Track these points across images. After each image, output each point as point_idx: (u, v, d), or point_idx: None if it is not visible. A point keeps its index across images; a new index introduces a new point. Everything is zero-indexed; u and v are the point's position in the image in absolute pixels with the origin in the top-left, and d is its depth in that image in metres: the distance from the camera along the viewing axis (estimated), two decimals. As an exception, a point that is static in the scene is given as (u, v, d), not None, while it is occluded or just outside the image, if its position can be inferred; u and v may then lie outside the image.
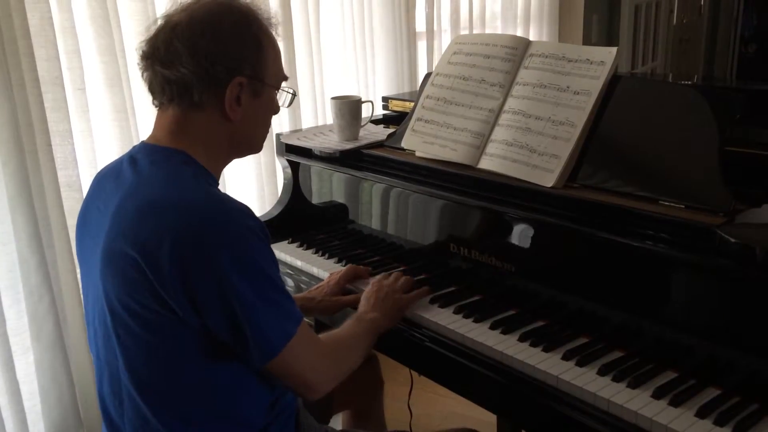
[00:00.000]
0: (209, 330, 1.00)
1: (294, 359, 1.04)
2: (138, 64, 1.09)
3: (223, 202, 1.03)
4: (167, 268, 0.96)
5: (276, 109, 1.18)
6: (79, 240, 1.16)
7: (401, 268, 1.53)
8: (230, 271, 0.96)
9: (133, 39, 1.80)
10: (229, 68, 1.06)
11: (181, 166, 1.06)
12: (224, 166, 1.18)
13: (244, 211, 1.03)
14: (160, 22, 1.08)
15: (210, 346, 1.02)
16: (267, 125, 1.20)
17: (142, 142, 1.12)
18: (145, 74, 1.09)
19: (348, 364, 1.18)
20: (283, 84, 1.18)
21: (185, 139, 1.08)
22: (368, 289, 1.36)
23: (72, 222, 1.70)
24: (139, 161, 1.08)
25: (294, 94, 1.24)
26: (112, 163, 1.15)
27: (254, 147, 1.19)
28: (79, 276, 1.70)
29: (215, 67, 1.05)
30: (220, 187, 1.15)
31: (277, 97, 1.17)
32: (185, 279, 0.96)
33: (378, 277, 1.42)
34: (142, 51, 1.08)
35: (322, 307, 1.45)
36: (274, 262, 1.05)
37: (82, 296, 1.19)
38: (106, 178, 1.13)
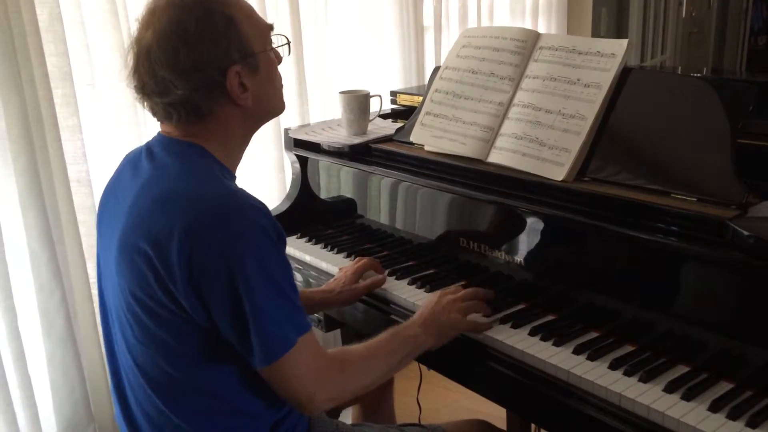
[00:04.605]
0: (217, 328, 0.99)
1: (288, 369, 1.00)
2: (135, 96, 1.07)
3: (238, 197, 1.01)
4: (176, 261, 0.96)
5: (278, 61, 1.13)
6: (99, 226, 1.16)
7: (460, 283, 1.42)
8: (239, 268, 0.95)
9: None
10: (219, 66, 1.02)
11: (197, 160, 1.05)
12: (243, 151, 1.15)
13: (260, 209, 1.01)
14: (134, 48, 1.04)
15: (218, 345, 1.01)
16: (278, 85, 1.14)
17: (159, 133, 1.11)
18: (146, 104, 1.07)
19: (355, 385, 1.10)
20: (273, 37, 1.13)
21: (201, 136, 1.07)
22: (426, 300, 1.28)
23: (82, 217, 1.71)
24: (156, 153, 1.07)
25: (288, 42, 1.18)
26: (135, 150, 1.14)
27: (277, 111, 1.16)
28: (89, 271, 1.73)
29: (206, 72, 1.01)
30: (229, 181, 1.14)
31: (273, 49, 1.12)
32: (193, 272, 0.96)
33: (447, 288, 1.32)
34: (134, 86, 1.05)
35: (342, 298, 1.43)
36: (285, 266, 1.02)
37: (96, 283, 1.18)
38: (126, 167, 1.12)
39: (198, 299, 0.97)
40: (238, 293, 0.96)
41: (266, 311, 0.97)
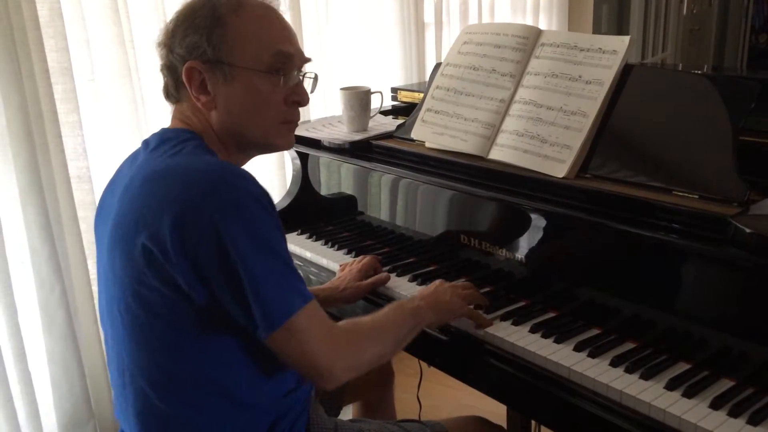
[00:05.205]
0: (215, 302, 0.97)
1: (298, 338, 0.98)
2: None
3: (225, 168, 0.99)
4: (169, 239, 0.94)
5: (299, 99, 1.11)
6: (96, 224, 1.16)
7: (461, 280, 1.41)
8: (231, 237, 0.93)
9: (144, 29, 1.80)
10: (182, 55, 1.04)
11: (187, 142, 1.06)
12: (240, 162, 1.14)
13: (247, 177, 0.99)
14: None
15: (215, 333, 1.00)
16: (266, 113, 1.09)
17: (161, 129, 1.13)
18: None
19: (370, 353, 1.08)
20: (306, 68, 1.11)
21: (191, 126, 1.10)
22: (427, 285, 1.30)
23: (82, 214, 1.71)
24: (150, 142, 1.09)
25: (308, 77, 1.13)
26: (134, 150, 1.16)
27: (261, 139, 1.11)
28: (89, 267, 1.73)
29: (174, 54, 1.05)
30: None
31: (281, 79, 1.07)
32: (187, 246, 0.94)
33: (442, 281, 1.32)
34: None
35: (347, 295, 1.43)
36: (279, 231, 1.00)
37: (97, 281, 1.18)
38: (125, 163, 1.15)
39: (196, 275, 0.95)
40: (233, 261, 0.94)
41: (263, 276, 0.95)
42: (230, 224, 0.94)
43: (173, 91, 1.09)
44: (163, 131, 1.11)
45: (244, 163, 1.16)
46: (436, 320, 1.22)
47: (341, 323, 1.09)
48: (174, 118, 1.12)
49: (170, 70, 1.07)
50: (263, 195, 0.99)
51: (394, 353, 1.15)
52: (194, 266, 0.95)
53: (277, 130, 1.12)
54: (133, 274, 0.99)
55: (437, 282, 1.28)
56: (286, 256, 1.00)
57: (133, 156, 1.13)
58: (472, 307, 1.28)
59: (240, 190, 0.96)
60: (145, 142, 1.11)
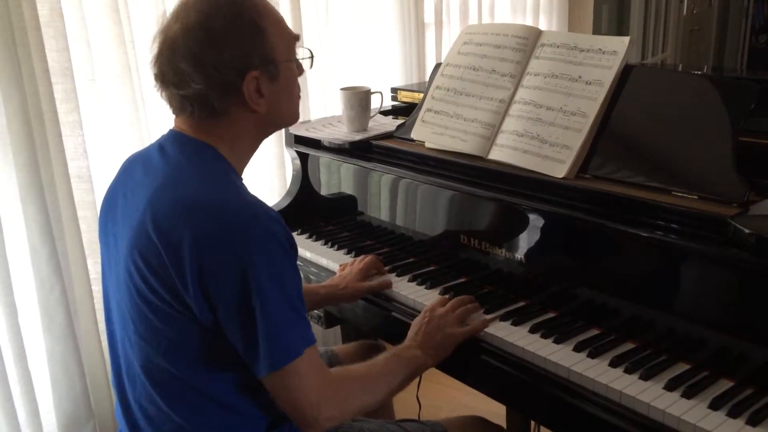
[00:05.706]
0: (222, 330, 1.00)
1: (293, 382, 1.01)
2: (154, 85, 1.08)
3: (255, 207, 1.02)
4: (188, 264, 0.96)
5: (300, 72, 1.15)
6: (103, 225, 1.16)
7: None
8: (252, 274, 0.96)
9: (144, 29, 1.80)
10: (238, 69, 1.03)
11: (212, 163, 1.06)
12: (251, 156, 1.16)
13: (275, 218, 1.02)
14: (159, 38, 1.05)
15: (222, 344, 1.02)
16: (295, 95, 1.15)
17: (171, 130, 1.11)
18: (163, 94, 1.08)
19: (357, 405, 1.11)
20: (298, 48, 1.15)
21: (212, 136, 1.08)
22: (418, 318, 1.27)
23: (82, 213, 1.71)
24: (168, 150, 1.08)
25: (312, 56, 1.20)
26: (141, 150, 1.15)
27: (289, 121, 1.17)
28: (89, 267, 1.73)
29: (225, 73, 1.02)
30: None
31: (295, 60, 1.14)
32: (203, 275, 0.97)
33: (432, 302, 1.30)
34: (154, 74, 1.07)
35: (347, 293, 1.44)
36: (296, 276, 1.04)
37: (101, 278, 1.18)
38: (134, 165, 1.13)
39: (206, 301, 0.98)
40: (249, 300, 0.97)
41: (276, 319, 0.98)
42: (253, 261, 0.96)
43: (220, 107, 1.04)
44: (179, 137, 1.08)
45: (257, 148, 1.16)
46: (436, 361, 1.22)
47: (335, 370, 1.10)
48: (188, 123, 1.08)
49: (218, 87, 1.02)
50: (287, 239, 1.02)
51: (386, 400, 1.16)
52: (206, 293, 0.98)
53: (297, 106, 1.18)
54: (150, 284, 1.01)
55: (426, 318, 1.25)
56: (298, 301, 1.03)
57: (144, 158, 1.11)
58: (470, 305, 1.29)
59: (266, 231, 0.99)
60: (160, 147, 1.09)
